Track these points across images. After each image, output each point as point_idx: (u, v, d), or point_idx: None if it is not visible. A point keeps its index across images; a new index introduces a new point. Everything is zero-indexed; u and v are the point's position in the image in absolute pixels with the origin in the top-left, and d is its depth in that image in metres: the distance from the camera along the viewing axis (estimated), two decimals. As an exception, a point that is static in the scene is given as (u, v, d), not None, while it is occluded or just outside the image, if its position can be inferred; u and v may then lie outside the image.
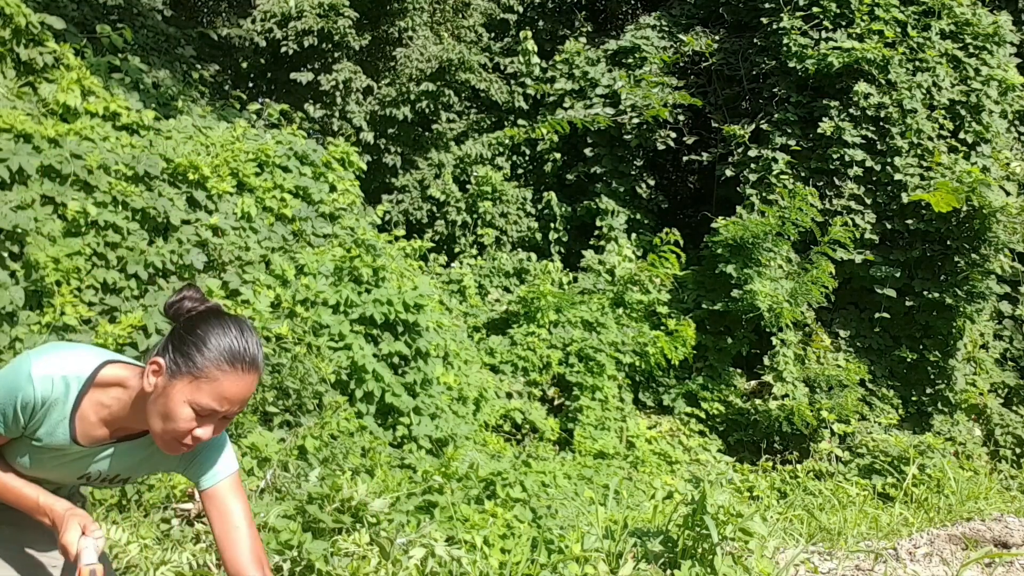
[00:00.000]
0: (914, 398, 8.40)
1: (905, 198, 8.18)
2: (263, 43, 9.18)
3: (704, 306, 8.09)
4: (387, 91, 9.28)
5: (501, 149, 9.52)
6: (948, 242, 8.27)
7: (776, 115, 8.66)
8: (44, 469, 1.73)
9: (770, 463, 7.41)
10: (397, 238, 7.51)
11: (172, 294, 1.88)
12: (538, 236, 9.24)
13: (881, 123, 8.37)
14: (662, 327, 7.86)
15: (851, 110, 8.39)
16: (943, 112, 8.50)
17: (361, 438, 4.98)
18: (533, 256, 8.75)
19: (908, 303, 8.32)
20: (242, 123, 6.41)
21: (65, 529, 1.62)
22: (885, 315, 8.37)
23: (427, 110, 9.34)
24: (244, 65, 9.77)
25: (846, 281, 8.41)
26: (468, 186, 9.40)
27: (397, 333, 5.61)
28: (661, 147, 9.03)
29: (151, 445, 1.76)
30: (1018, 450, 8.67)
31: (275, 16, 9.08)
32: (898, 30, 8.65)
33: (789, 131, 8.56)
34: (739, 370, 8.12)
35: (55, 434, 1.65)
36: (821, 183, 8.41)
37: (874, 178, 8.40)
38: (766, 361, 7.95)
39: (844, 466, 7.42)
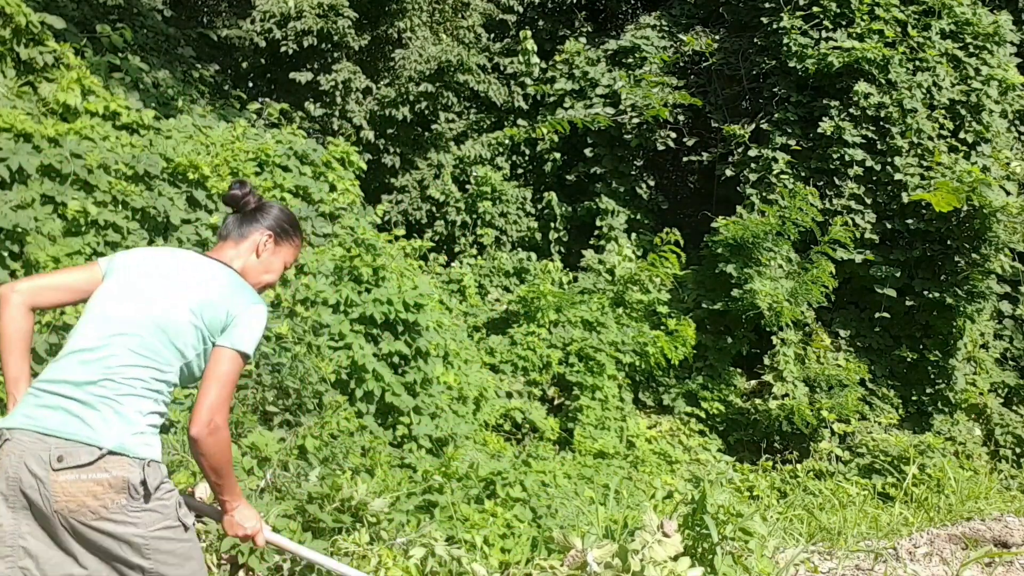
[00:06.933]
0: (914, 398, 8.40)
1: (905, 198, 8.18)
2: (263, 43, 9.17)
3: (704, 306, 8.09)
4: (386, 92, 9.27)
5: (501, 149, 9.52)
6: (948, 242, 8.27)
7: (776, 115, 8.66)
8: None
9: (770, 463, 7.41)
10: (397, 238, 7.51)
11: (232, 187, 2.32)
12: (538, 236, 9.24)
13: (881, 123, 8.37)
14: (662, 327, 7.86)
15: (851, 110, 8.39)
16: (943, 112, 8.50)
17: (361, 438, 4.98)
18: (533, 256, 8.75)
19: (908, 303, 8.32)
20: (242, 122, 6.40)
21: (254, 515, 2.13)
22: (885, 315, 8.37)
23: (426, 111, 9.34)
24: (244, 65, 9.76)
25: (846, 281, 8.41)
26: (468, 186, 9.39)
27: (397, 333, 5.60)
28: (661, 147, 9.03)
29: None
30: (1018, 450, 8.67)
31: (274, 16, 9.07)
32: (898, 30, 8.65)
33: (789, 131, 8.56)
34: (739, 370, 8.12)
35: None
36: (821, 183, 8.41)
37: (874, 178, 8.40)
38: (766, 361, 7.95)
39: (844, 466, 7.43)
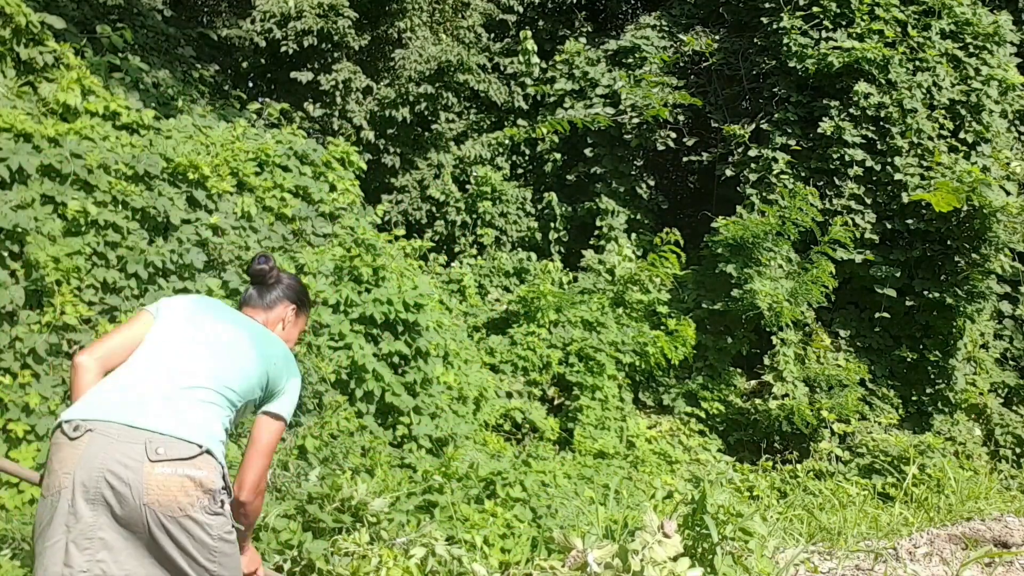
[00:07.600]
0: (914, 398, 8.40)
1: (905, 198, 8.18)
2: (263, 43, 9.17)
3: (704, 306, 8.09)
4: (386, 92, 9.27)
5: (501, 149, 9.52)
6: (948, 242, 8.27)
7: (776, 115, 8.66)
8: None
9: (770, 463, 7.41)
10: (397, 238, 7.51)
11: (256, 261, 2.45)
12: (538, 236, 9.24)
13: (881, 123, 8.37)
14: (662, 327, 7.86)
15: (851, 110, 8.39)
16: (943, 112, 8.50)
17: (361, 438, 4.98)
18: (533, 256, 8.75)
19: (908, 303, 8.32)
20: (242, 122, 6.39)
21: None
22: (885, 315, 8.37)
23: (426, 111, 9.34)
24: (244, 65, 9.76)
25: (846, 281, 8.41)
26: (468, 186, 9.39)
27: (397, 333, 5.60)
28: (661, 147, 9.03)
29: None
30: (1018, 450, 8.67)
31: (275, 16, 9.06)
32: (898, 30, 8.66)
33: (789, 131, 8.56)
34: (739, 370, 8.12)
35: None
36: (821, 183, 8.41)
37: (874, 178, 8.40)
38: (766, 361, 7.95)
39: (844, 466, 7.42)
